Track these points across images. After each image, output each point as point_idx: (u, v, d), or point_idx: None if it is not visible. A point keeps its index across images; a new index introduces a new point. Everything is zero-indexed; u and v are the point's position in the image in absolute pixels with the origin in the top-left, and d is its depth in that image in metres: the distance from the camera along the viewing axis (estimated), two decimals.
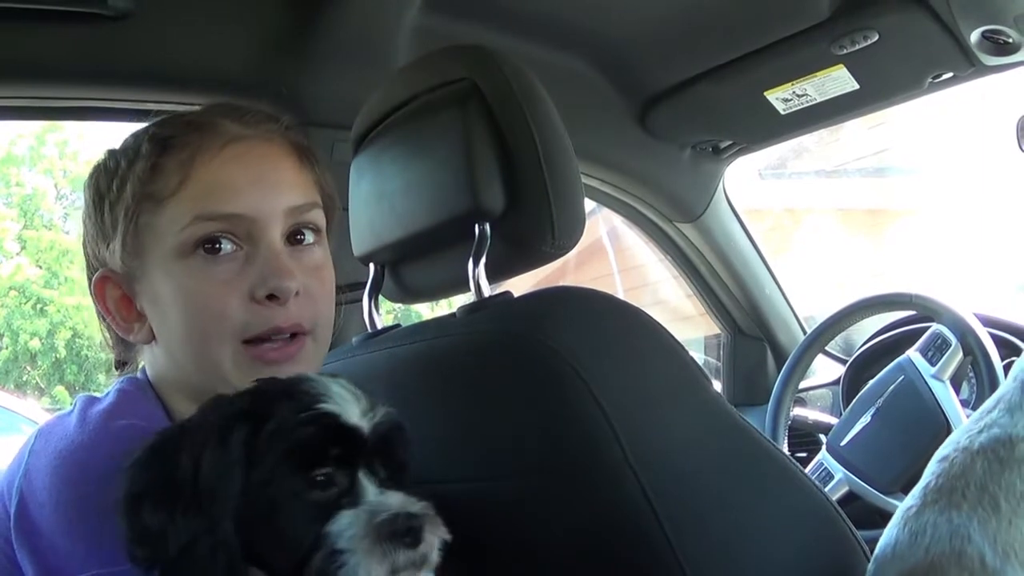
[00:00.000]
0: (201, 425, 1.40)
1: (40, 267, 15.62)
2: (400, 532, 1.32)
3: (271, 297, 1.62)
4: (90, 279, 1.76)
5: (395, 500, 1.36)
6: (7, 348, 15.70)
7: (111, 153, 1.75)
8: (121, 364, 1.85)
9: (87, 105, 2.74)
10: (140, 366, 1.79)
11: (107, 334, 1.82)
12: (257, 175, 1.68)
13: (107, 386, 1.76)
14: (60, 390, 15.30)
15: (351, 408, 1.39)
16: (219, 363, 1.62)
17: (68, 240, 15.63)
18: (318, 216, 1.76)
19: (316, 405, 1.38)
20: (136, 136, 1.74)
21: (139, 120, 2.63)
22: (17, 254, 15.86)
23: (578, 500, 1.57)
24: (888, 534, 1.61)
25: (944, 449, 1.63)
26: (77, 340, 15.18)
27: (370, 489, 1.37)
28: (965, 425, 1.68)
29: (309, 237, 1.73)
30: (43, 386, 15.70)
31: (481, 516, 1.64)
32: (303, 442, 1.35)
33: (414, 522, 1.33)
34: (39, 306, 15.40)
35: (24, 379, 15.83)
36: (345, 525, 1.32)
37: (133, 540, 1.34)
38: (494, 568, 1.68)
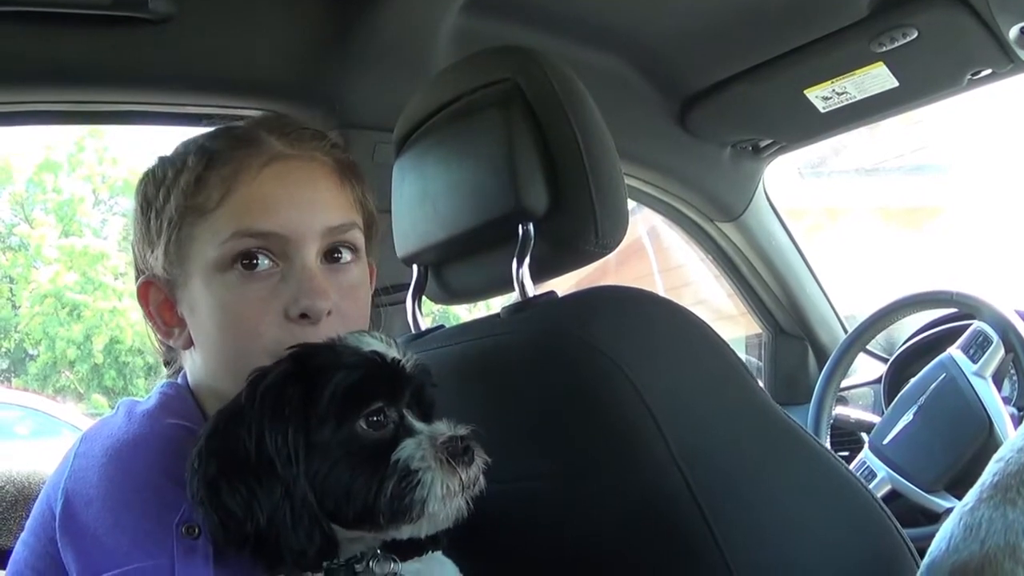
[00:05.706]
0: (253, 396, 1.46)
1: (75, 272, 15.70)
2: (459, 451, 1.44)
3: (304, 316, 1.65)
4: (137, 281, 1.79)
5: (443, 427, 1.47)
6: (45, 354, 15.80)
7: (161, 161, 1.78)
8: (167, 364, 1.89)
9: (128, 109, 2.75)
10: (181, 371, 1.82)
11: (152, 335, 1.85)
12: (295, 195, 1.70)
13: (147, 391, 1.78)
14: (98, 398, 15.39)
15: (390, 350, 1.51)
16: None
17: (104, 245, 15.70)
18: (356, 236, 1.77)
19: (360, 351, 1.49)
20: (185, 146, 1.77)
21: (180, 124, 2.66)
22: (56, 260, 15.95)
23: (623, 497, 1.57)
24: (944, 529, 1.62)
25: (1001, 451, 1.64)
26: (116, 345, 15.24)
27: (416, 422, 1.47)
28: (1022, 428, 1.69)
29: (346, 256, 1.74)
30: (81, 391, 15.80)
31: (527, 515, 1.64)
32: (357, 382, 1.45)
33: (469, 442, 1.46)
34: (75, 312, 15.47)
35: (62, 384, 15.92)
36: (413, 448, 1.43)
37: (219, 523, 1.41)
38: (538, 563, 1.69)
